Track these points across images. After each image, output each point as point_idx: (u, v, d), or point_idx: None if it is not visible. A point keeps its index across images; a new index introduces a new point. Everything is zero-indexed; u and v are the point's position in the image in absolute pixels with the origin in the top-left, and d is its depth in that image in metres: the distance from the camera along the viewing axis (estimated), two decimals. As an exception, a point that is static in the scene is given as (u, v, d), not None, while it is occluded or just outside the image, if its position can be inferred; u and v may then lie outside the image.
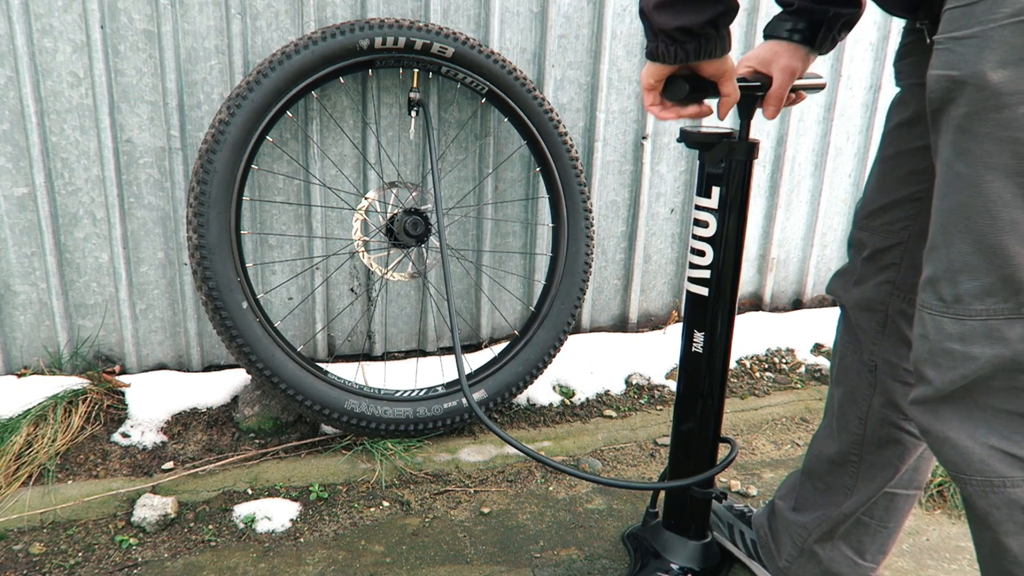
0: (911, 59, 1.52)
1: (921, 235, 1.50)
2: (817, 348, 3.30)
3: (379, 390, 2.46)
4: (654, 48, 1.46)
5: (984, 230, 1.15)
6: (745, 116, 1.70)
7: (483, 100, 2.65)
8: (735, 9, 1.44)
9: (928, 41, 1.43)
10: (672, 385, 2.94)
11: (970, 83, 1.12)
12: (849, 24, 1.68)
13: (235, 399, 2.53)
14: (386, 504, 2.23)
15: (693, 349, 1.83)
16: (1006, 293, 1.15)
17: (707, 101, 1.61)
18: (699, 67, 1.50)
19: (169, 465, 2.30)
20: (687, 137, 1.75)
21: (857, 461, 1.70)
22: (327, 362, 2.76)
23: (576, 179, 2.69)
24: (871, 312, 1.62)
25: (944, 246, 1.21)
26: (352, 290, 2.77)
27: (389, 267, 2.66)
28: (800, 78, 1.72)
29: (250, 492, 2.23)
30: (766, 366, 3.19)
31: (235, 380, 2.57)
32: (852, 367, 1.69)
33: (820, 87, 1.79)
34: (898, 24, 3.38)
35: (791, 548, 1.84)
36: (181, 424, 2.44)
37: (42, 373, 2.47)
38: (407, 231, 2.51)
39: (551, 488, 2.35)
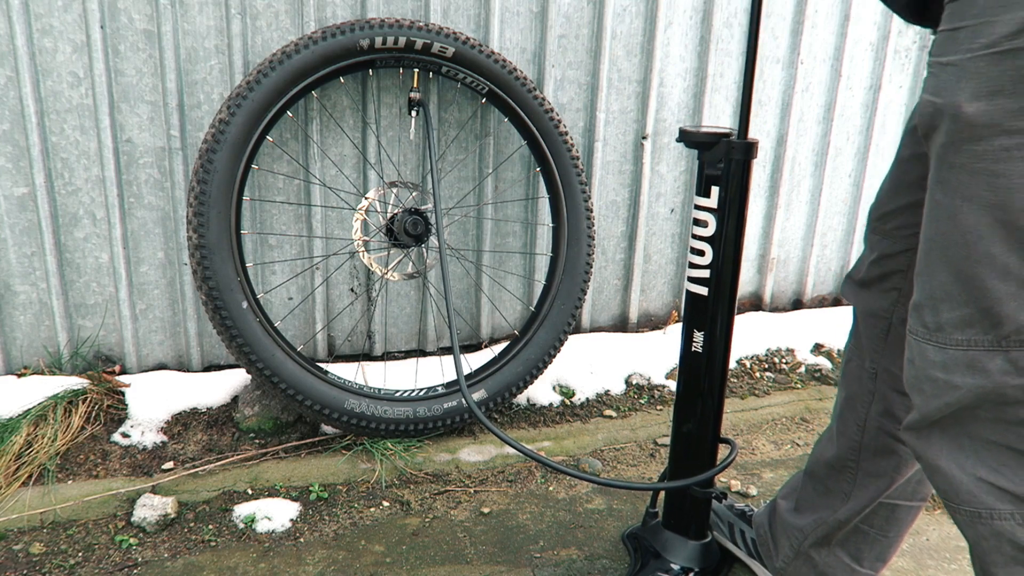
0: None
1: None
2: (817, 348, 3.30)
3: (379, 390, 2.46)
4: None
5: (961, 262, 1.15)
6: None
7: (483, 100, 2.65)
8: None
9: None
10: (672, 385, 2.94)
11: (947, 112, 1.13)
12: None
13: (235, 399, 2.53)
14: (386, 504, 2.23)
15: (693, 349, 1.83)
16: (985, 325, 1.15)
17: None
18: None
19: (169, 465, 2.31)
20: (686, 137, 1.75)
21: (854, 467, 1.69)
22: (327, 362, 2.76)
23: (578, 179, 2.69)
24: (875, 319, 1.61)
25: (926, 273, 1.22)
26: (352, 290, 2.77)
27: (389, 267, 2.66)
28: None
29: (250, 492, 2.23)
30: (766, 366, 3.19)
31: (235, 380, 2.57)
32: (855, 372, 1.68)
33: None
34: (898, 24, 3.38)
35: (788, 550, 1.84)
36: (181, 424, 2.44)
37: (42, 373, 2.48)
38: (407, 231, 2.51)
39: (551, 488, 2.35)
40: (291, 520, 2.13)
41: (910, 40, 3.44)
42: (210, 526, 2.10)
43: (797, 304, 3.65)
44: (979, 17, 1.09)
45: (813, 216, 3.52)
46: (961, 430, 1.22)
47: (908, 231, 1.52)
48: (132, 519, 2.08)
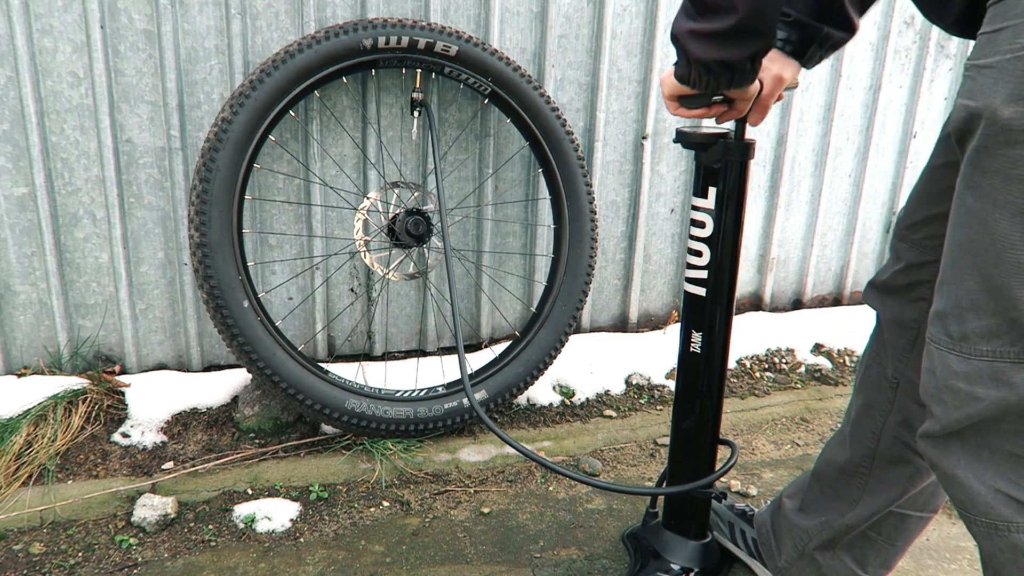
0: None
1: None
2: (817, 348, 3.31)
3: (379, 390, 2.47)
4: (686, 75, 1.46)
5: (991, 270, 1.13)
6: (739, 119, 1.70)
7: (485, 100, 2.65)
8: (772, 44, 1.46)
9: None
10: (672, 385, 2.95)
11: (984, 116, 1.10)
12: (837, 46, 1.67)
13: (235, 399, 2.53)
14: (386, 504, 2.23)
15: (691, 349, 1.83)
16: (1012, 336, 1.13)
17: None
18: (726, 92, 1.54)
19: (169, 465, 2.31)
20: (683, 138, 1.75)
21: (866, 474, 1.68)
22: (327, 362, 2.77)
23: (583, 179, 2.68)
24: (902, 328, 1.59)
25: (953, 281, 1.19)
26: (352, 290, 2.77)
27: (390, 267, 2.66)
28: (788, 88, 1.71)
29: (250, 492, 2.24)
30: (766, 366, 3.19)
31: (235, 380, 2.58)
32: (875, 379, 1.66)
33: (793, 86, 1.78)
34: (898, 24, 3.38)
35: (791, 550, 1.83)
36: (181, 424, 2.44)
37: (42, 373, 2.48)
38: (408, 231, 2.51)
39: (551, 488, 2.35)
40: (291, 520, 2.14)
41: (910, 40, 3.44)
42: (210, 526, 2.10)
43: (797, 304, 3.65)
44: (1021, 17, 1.07)
45: (813, 216, 3.52)
46: (981, 441, 1.20)
47: (937, 241, 1.47)
48: (132, 519, 2.08)
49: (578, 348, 2.98)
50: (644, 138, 3.03)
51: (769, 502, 2.05)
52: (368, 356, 2.87)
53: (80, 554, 1.97)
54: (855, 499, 1.71)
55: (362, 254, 2.57)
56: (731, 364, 3.13)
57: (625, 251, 3.18)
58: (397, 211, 2.59)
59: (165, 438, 2.40)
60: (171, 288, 2.58)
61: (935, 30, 3.44)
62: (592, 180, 2.96)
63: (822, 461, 1.81)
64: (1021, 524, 1.17)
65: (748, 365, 3.17)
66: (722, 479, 2.42)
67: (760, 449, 2.64)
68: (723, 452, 1.95)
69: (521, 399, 2.75)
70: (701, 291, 1.78)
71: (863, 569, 1.77)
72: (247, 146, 2.25)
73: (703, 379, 1.84)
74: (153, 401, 2.45)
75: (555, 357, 2.66)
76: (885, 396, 1.63)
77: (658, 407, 2.85)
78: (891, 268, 1.60)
